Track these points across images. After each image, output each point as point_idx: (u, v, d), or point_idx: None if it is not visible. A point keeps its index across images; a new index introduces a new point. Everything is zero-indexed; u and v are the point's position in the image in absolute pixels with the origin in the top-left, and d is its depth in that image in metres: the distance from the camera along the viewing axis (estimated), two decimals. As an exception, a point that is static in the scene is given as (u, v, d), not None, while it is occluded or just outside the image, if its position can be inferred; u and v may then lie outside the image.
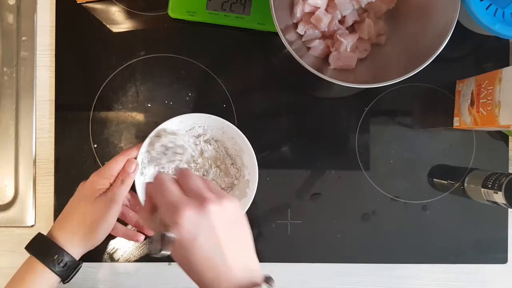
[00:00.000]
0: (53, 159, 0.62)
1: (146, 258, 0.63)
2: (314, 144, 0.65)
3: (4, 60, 0.63)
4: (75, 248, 0.49)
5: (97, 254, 0.63)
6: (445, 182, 0.66)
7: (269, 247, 0.64)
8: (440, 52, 0.51)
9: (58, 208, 0.62)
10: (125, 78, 0.63)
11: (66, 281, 0.49)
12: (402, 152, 0.66)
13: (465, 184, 0.65)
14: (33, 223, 0.63)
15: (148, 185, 0.41)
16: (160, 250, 0.36)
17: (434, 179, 0.66)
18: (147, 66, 0.63)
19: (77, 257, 0.49)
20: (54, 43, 0.63)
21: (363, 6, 0.61)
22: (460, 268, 0.66)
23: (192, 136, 0.58)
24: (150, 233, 0.58)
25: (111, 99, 0.63)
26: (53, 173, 0.62)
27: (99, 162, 0.63)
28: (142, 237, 0.57)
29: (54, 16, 0.63)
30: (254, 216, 0.64)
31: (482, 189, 0.60)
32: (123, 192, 0.52)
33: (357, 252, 0.65)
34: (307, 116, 0.65)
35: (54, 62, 0.63)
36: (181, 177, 0.40)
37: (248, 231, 0.40)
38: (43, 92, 0.63)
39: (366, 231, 0.65)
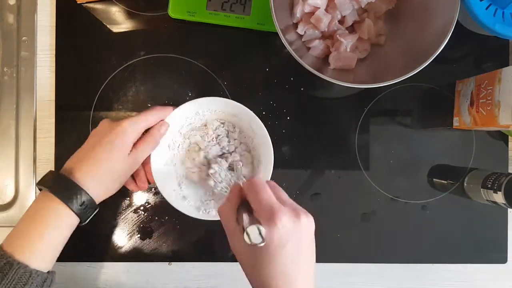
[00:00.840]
0: (53, 159, 0.62)
1: (146, 258, 0.63)
2: (314, 144, 0.65)
3: (4, 60, 0.63)
4: (98, 194, 0.48)
5: (97, 253, 0.63)
6: (445, 182, 0.66)
7: (269, 247, 0.64)
8: (440, 52, 0.51)
9: (58, 208, 0.62)
10: (125, 78, 0.63)
11: (84, 223, 0.48)
12: (402, 152, 0.66)
13: (465, 184, 0.65)
14: (33, 223, 0.63)
15: (247, 186, 0.42)
16: (259, 240, 0.37)
17: (434, 179, 0.66)
18: (147, 66, 0.63)
19: (96, 201, 0.48)
20: (54, 43, 0.63)
21: (363, 6, 0.61)
22: (460, 268, 0.66)
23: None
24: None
25: (111, 99, 0.63)
26: (53, 173, 0.62)
27: (99, 162, 0.63)
28: (147, 185, 0.56)
29: (54, 16, 0.63)
30: (254, 216, 0.64)
31: (481, 189, 0.60)
32: (148, 154, 0.52)
33: (357, 252, 0.65)
34: (307, 116, 0.65)
35: (54, 62, 0.63)
36: (272, 188, 0.42)
37: (314, 255, 0.43)
38: (43, 92, 0.63)
39: (366, 231, 0.65)
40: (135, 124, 0.50)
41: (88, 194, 0.47)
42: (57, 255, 0.48)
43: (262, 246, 0.38)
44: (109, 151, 0.48)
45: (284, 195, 0.42)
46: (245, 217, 0.39)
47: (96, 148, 0.48)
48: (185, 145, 0.59)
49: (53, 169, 0.62)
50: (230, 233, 0.43)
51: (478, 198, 0.62)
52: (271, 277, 0.39)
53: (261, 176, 0.56)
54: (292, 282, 0.39)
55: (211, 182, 0.57)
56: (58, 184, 0.46)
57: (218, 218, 0.54)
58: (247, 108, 0.55)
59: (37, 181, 0.47)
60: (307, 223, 0.40)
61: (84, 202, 0.46)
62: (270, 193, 0.40)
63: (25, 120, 0.63)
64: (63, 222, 0.46)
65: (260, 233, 0.37)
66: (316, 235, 0.65)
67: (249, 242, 0.37)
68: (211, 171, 0.57)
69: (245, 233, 0.38)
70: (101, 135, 0.49)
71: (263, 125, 0.56)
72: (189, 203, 0.58)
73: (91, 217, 0.48)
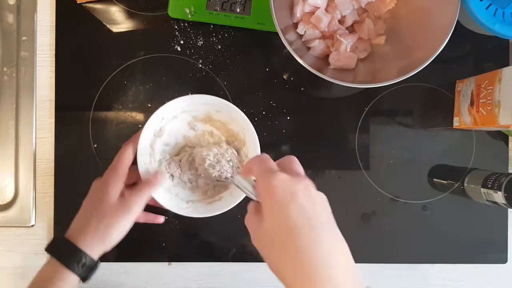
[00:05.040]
0: (53, 159, 0.62)
1: (146, 258, 0.63)
2: (314, 144, 0.65)
3: (4, 60, 0.63)
4: (94, 249, 0.49)
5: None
6: (445, 182, 0.66)
7: (269, 247, 0.64)
8: (440, 52, 0.51)
9: (58, 208, 0.62)
10: (125, 78, 0.63)
11: (86, 281, 0.50)
12: (402, 152, 0.66)
13: (465, 184, 0.65)
14: (33, 223, 0.63)
15: (252, 159, 0.42)
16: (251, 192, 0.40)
17: (434, 179, 0.66)
18: (147, 66, 0.63)
19: (95, 257, 0.50)
20: (54, 43, 0.63)
21: (363, 6, 0.61)
22: (460, 268, 0.66)
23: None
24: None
25: (111, 99, 0.63)
26: (53, 173, 0.62)
27: (99, 162, 0.63)
28: (162, 218, 0.57)
29: (54, 16, 0.63)
30: (254, 216, 0.64)
31: (482, 189, 0.60)
32: (142, 201, 0.51)
33: (357, 252, 0.64)
34: (307, 116, 0.65)
35: (54, 62, 0.63)
36: (285, 160, 0.41)
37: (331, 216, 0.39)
38: (43, 92, 0.63)
39: (366, 231, 0.65)
40: (112, 171, 0.52)
41: (88, 256, 0.49)
42: None
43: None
44: (94, 203, 0.51)
45: (294, 165, 0.40)
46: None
47: (85, 206, 0.52)
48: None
49: (53, 169, 0.62)
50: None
51: (478, 198, 0.62)
52: (296, 231, 0.34)
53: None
54: (319, 236, 0.35)
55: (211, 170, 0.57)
56: (61, 249, 0.49)
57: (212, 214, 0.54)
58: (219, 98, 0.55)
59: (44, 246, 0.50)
60: (310, 186, 0.37)
61: (84, 263, 0.48)
62: (270, 162, 0.39)
63: (25, 120, 0.63)
64: (66, 283, 0.48)
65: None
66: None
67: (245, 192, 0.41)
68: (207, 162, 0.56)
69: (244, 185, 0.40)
70: (90, 195, 0.52)
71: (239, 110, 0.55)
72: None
73: (92, 275, 0.50)
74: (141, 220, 0.57)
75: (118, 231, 0.50)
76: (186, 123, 0.59)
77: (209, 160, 0.56)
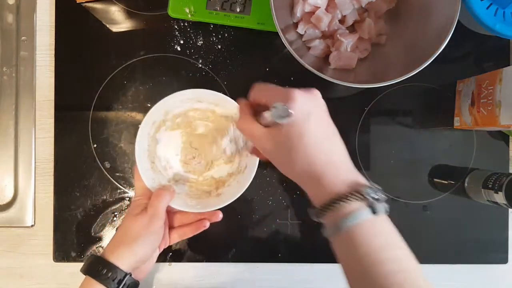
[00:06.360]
0: (53, 159, 0.62)
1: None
2: (314, 144, 0.65)
3: (4, 60, 0.63)
4: (123, 262, 0.50)
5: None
6: (446, 182, 0.66)
7: (269, 247, 0.63)
8: (440, 52, 0.51)
9: (58, 208, 0.62)
10: (125, 78, 0.63)
11: None
12: (402, 152, 0.66)
13: (466, 184, 0.65)
14: (33, 223, 0.62)
15: (252, 91, 0.45)
16: (286, 113, 0.39)
17: (435, 179, 0.66)
18: (147, 66, 0.63)
19: (126, 269, 0.50)
20: (54, 43, 0.63)
21: (363, 6, 0.61)
22: (460, 268, 0.66)
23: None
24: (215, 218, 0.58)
25: (110, 99, 0.63)
26: (52, 173, 0.62)
27: (98, 162, 0.62)
28: (207, 222, 0.58)
29: (54, 16, 0.63)
30: (254, 216, 0.64)
31: (482, 189, 0.60)
32: (162, 205, 0.52)
33: (357, 252, 0.65)
34: (307, 116, 0.65)
35: (54, 62, 0.63)
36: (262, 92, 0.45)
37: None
38: (42, 92, 0.63)
39: (366, 231, 0.65)
40: (135, 189, 0.56)
41: (120, 270, 0.49)
42: None
43: (290, 124, 0.39)
44: (123, 220, 0.54)
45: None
46: (266, 112, 0.41)
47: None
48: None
49: (53, 169, 0.62)
50: (258, 138, 0.43)
51: (479, 199, 0.62)
52: (309, 153, 0.40)
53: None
54: (332, 152, 0.41)
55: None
56: (94, 267, 0.50)
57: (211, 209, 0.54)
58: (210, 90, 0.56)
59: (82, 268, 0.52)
60: (319, 94, 0.43)
61: (116, 277, 0.49)
62: (277, 86, 0.43)
63: (25, 120, 0.62)
64: None
65: (284, 112, 0.39)
66: (316, 235, 0.65)
67: (277, 120, 0.39)
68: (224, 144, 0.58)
69: (271, 112, 0.39)
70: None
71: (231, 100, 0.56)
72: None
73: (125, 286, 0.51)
74: (178, 238, 0.58)
75: (146, 240, 0.51)
76: (177, 122, 0.59)
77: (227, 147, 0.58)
